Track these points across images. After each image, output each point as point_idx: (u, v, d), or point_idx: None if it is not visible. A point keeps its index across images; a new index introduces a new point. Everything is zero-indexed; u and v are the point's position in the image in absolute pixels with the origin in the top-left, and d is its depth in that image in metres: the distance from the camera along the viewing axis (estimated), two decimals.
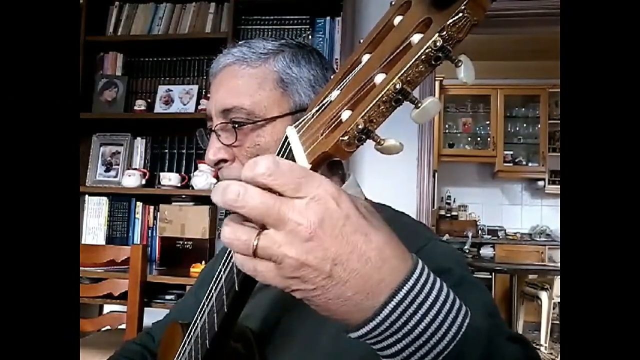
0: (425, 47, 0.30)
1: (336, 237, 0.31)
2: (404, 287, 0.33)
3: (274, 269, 0.32)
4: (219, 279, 0.50)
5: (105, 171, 2.31)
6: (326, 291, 0.32)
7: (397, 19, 0.33)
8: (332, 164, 0.69)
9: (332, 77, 0.70)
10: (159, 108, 2.24)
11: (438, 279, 0.35)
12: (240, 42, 0.68)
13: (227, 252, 0.48)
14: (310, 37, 2.09)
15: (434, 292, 0.34)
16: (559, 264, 3.92)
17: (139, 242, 2.20)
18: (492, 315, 0.51)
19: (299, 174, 0.32)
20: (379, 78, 0.32)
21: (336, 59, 2.06)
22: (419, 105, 0.31)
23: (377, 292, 0.32)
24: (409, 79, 0.31)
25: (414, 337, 0.33)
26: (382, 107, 0.32)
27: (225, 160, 0.66)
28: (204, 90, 2.23)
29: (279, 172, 0.31)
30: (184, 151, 2.26)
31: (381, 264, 0.32)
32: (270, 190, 0.32)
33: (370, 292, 0.32)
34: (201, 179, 2.07)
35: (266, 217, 0.31)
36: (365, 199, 0.72)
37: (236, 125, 0.64)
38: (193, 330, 0.58)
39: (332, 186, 0.32)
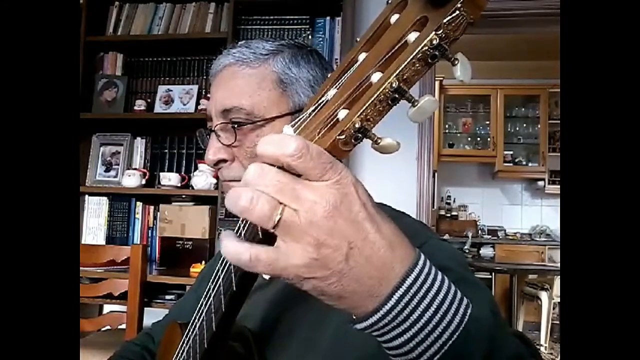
0: (421, 45, 0.30)
1: (352, 221, 0.32)
2: (411, 275, 0.33)
3: (287, 258, 0.31)
4: (217, 278, 0.50)
5: (105, 171, 2.31)
6: (342, 276, 0.32)
7: (394, 18, 0.33)
8: None
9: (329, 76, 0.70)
10: (159, 108, 2.24)
11: (439, 272, 0.35)
12: (239, 43, 0.68)
13: None
14: (310, 37, 2.09)
15: (437, 283, 0.34)
16: (559, 264, 3.91)
17: (139, 242, 2.20)
18: (492, 313, 0.51)
19: (326, 158, 0.32)
20: (376, 77, 0.32)
21: (336, 59, 2.06)
22: (416, 103, 0.31)
23: (389, 278, 0.33)
24: (405, 77, 0.31)
25: (420, 326, 0.33)
26: (379, 105, 0.32)
27: (225, 160, 0.66)
28: (204, 90, 2.24)
29: (309, 155, 0.31)
30: (184, 151, 2.26)
31: (391, 252, 0.33)
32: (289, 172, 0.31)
33: (384, 279, 0.33)
34: (201, 179, 2.07)
35: (282, 195, 0.31)
36: None
37: (236, 126, 0.64)
38: (191, 330, 0.58)
39: (353, 176, 0.33)
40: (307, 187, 0.31)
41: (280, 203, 0.31)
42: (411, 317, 0.33)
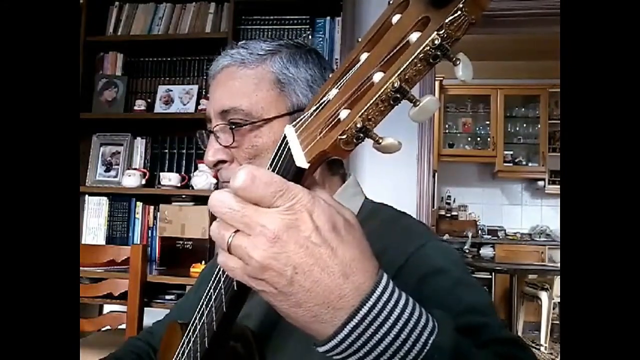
0: (423, 45, 0.30)
1: (300, 246, 0.33)
2: (365, 306, 0.33)
3: (242, 267, 0.34)
4: (217, 278, 0.50)
5: (105, 171, 2.31)
6: (288, 297, 0.33)
7: (395, 18, 0.33)
8: (332, 164, 0.69)
9: (330, 76, 0.70)
10: (159, 108, 2.24)
11: (403, 296, 0.35)
12: (238, 44, 0.68)
13: None
14: (310, 37, 2.09)
15: (397, 311, 0.34)
16: (559, 264, 3.92)
17: (139, 242, 2.20)
18: (485, 316, 0.51)
19: (276, 187, 0.33)
20: (377, 77, 0.32)
21: (336, 59, 2.06)
22: (417, 103, 0.31)
23: (338, 306, 0.33)
24: (407, 77, 0.31)
25: (376, 355, 0.34)
26: (381, 105, 0.32)
27: (224, 162, 0.66)
28: (204, 90, 2.23)
29: (253, 186, 0.33)
30: (184, 151, 2.26)
31: (343, 280, 0.33)
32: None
33: (331, 306, 0.33)
34: (201, 179, 2.07)
35: (234, 222, 0.34)
36: (366, 198, 0.72)
37: (234, 127, 0.64)
38: (192, 330, 0.58)
39: (309, 199, 0.33)
40: (258, 214, 0.33)
41: (235, 228, 0.34)
42: (366, 346, 0.33)
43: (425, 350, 0.34)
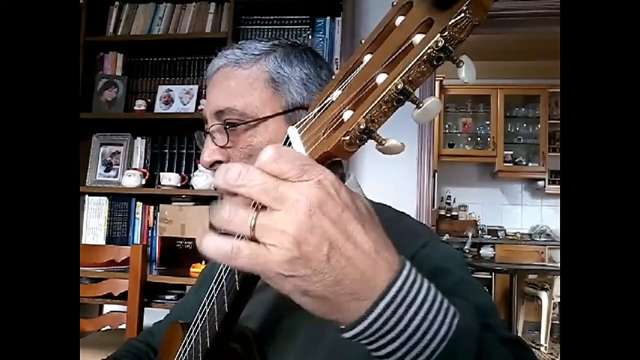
0: (427, 47, 0.30)
1: (334, 221, 0.31)
2: (397, 282, 0.33)
3: (264, 253, 0.31)
4: (219, 279, 0.50)
5: (105, 171, 2.31)
6: (324, 277, 0.31)
7: (399, 20, 0.33)
8: (332, 164, 0.69)
9: (329, 76, 0.70)
10: (159, 108, 2.24)
11: (426, 279, 0.35)
12: (234, 45, 0.68)
13: None
14: (310, 37, 2.09)
15: (423, 291, 0.34)
16: (559, 264, 3.92)
17: (139, 242, 2.20)
18: (488, 316, 0.51)
19: (303, 161, 0.32)
20: (381, 78, 0.32)
21: (336, 59, 2.06)
22: (420, 105, 0.31)
23: (373, 283, 0.32)
24: (410, 79, 0.31)
25: (407, 335, 0.33)
26: (384, 107, 0.32)
27: (220, 162, 0.66)
28: (204, 90, 2.23)
29: (282, 159, 0.32)
30: (184, 151, 2.26)
31: (376, 255, 0.32)
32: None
33: (367, 282, 0.32)
34: (201, 179, 2.07)
35: (266, 195, 0.31)
36: (366, 198, 0.72)
37: (228, 127, 0.64)
38: (193, 330, 0.58)
39: (334, 177, 0.32)
40: (289, 186, 0.31)
41: (257, 207, 0.32)
42: (398, 326, 0.33)
43: (452, 330, 0.34)
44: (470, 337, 0.35)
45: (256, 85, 0.64)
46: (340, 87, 0.35)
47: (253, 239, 0.32)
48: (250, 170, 0.32)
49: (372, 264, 0.32)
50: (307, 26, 2.10)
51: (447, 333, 0.33)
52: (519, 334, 3.68)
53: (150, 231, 2.22)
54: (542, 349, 3.40)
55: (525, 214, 4.89)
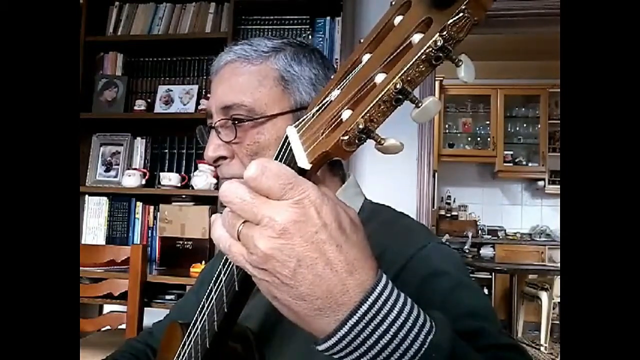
0: (425, 46, 0.30)
1: (306, 240, 0.33)
2: (367, 302, 0.34)
3: (246, 255, 0.34)
4: (219, 279, 0.50)
5: (105, 171, 2.31)
6: (291, 289, 0.34)
7: (398, 19, 0.33)
8: (332, 164, 0.69)
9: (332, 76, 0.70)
10: (159, 108, 2.24)
11: (402, 295, 0.36)
12: (242, 41, 0.68)
13: None
14: (310, 37, 2.09)
15: (396, 309, 0.35)
16: (559, 264, 3.92)
17: (139, 242, 2.20)
18: (484, 320, 0.50)
19: (285, 179, 0.33)
20: (380, 78, 0.32)
21: (336, 59, 2.06)
22: (420, 104, 0.31)
23: (341, 301, 0.34)
24: (409, 78, 0.31)
25: (375, 352, 0.34)
26: (383, 106, 0.32)
27: (224, 158, 0.65)
28: (204, 90, 2.23)
29: (265, 176, 0.33)
30: (184, 151, 2.26)
31: (346, 275, 0.34)
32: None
33: (334, 300, 0.34)
34: (201, 179, 2.07)
35: (243, 212, 0.34)
36: (365, 199, 0.72)
37: (236, 122, 0.64)
38: (193, 330, 0.58)
39: (317, 195, 0.34)
40: (267, 205, 0.33)
41: (245, 218, 0.35)
42: (366, 343, 0.34)
43: (424, 349, 0.34)
44: (444, 353, 0.35)
45: (266, 83, 0.64)
46: (339, 86, 0.35)
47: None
48: (232, 188, 0.35)
49: (340, 283, 0.33)
50: (307, 26, 2.10)
51: (420, 350, 0.34)
52: (519, 334, 3.68)
53: (150, 231, 2.22)
54: (542, 349, 3.40)
55: (525, 214, 4.89)
